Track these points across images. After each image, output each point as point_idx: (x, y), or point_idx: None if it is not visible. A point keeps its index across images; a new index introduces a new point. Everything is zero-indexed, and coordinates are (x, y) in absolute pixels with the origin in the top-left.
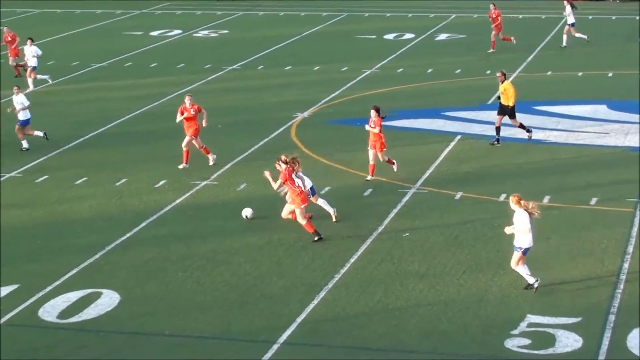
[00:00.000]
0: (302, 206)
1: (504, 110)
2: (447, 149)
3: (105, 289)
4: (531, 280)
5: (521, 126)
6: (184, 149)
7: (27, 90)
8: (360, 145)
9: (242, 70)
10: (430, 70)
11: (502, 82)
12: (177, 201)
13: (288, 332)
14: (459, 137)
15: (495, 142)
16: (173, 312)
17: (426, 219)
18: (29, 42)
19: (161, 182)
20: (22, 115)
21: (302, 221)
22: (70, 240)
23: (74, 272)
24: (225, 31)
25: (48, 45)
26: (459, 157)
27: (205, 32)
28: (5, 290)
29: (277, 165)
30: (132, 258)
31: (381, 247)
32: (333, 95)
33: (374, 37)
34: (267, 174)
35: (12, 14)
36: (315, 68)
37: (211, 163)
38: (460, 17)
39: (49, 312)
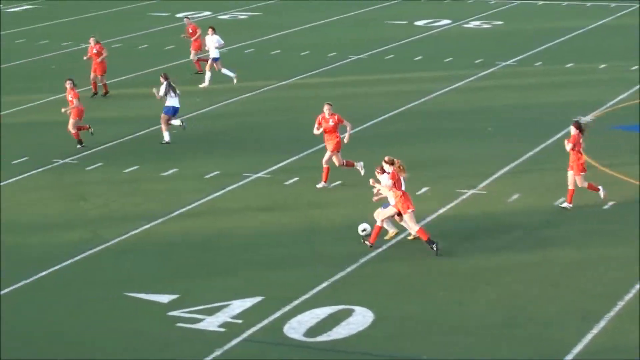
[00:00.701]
0: (409, 210)
1: None
2: None
3: (357, 306)
4: None
5: None
6: (324, 166)
7: (201, 85)
8: None
9: (517, 66)
10: None
11: None
12: (440, 211)
13: None
14: None
15: None
16: (431, 335)
17: None
18: (210, 31)
19: (423, 189)
20: (169, 102)
21: (414, 227)
22: (321, 250)
23: (323, 285)
24: (500, 22)
25: (302, 33)
26: None
27: (477, 22)
28: (249, 302)
29: (378, 171)
30: (389, 272)
31: None
32: (621, 97)
33: None
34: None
35: None
36: (601, 66)
37: (362, 172)
38: None
39: (295, 328)
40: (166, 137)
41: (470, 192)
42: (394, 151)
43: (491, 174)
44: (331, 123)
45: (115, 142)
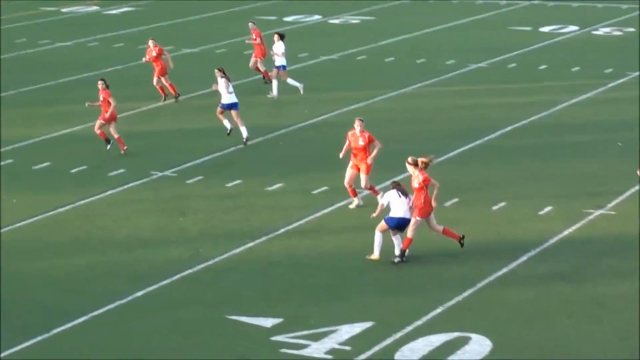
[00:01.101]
0: (419, 218)
1: None
2: None
3: (474, 334)
4: None
5: None
6: (349, 188)
7: (270, 96)
8: None
9: None
10: None
11: None
12: (565, 232)
13: None
14: None
15: None
16: None
17: None
18: (276, 37)
19: (547, 209)
20: (226, 99)
21: (410, 234)
22: (435, 272)
23: (438, 310)
24: (632, 29)
25: (418, 39)
26: None
27: (607, 29)
28: (358, 327)
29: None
30: (508, 298)
31: None
32: None
33: None
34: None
35: (375, 3)
36: None
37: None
38: None
39: (408, 356)
40: (244, 132)
41: (598, 212)
42: (518, 167)
43: (621, 192)
44: (361, 142)
45: (217, 154)
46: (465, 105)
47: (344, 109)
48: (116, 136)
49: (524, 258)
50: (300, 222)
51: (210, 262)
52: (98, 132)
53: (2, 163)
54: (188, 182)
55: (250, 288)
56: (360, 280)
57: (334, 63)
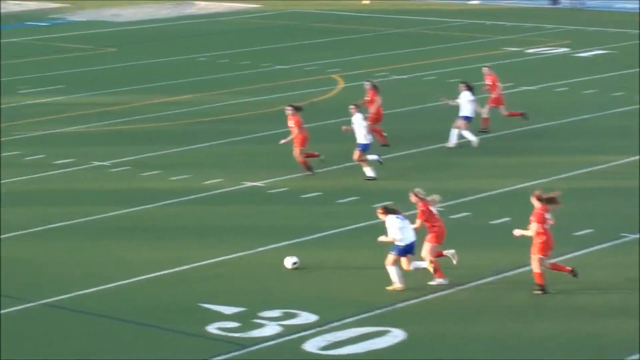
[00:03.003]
0: (435, 244)
1: None
2: None
3: None
4: None
5: None
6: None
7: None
8: None
9: None
10: None
11: None
12: None
13: None
14: None
15: None
16: None
17: None
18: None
19: None
20: (364, 139)
21: (426, 257)
22: None
23: None
24: None
25: None
26: None
27: None
28: None
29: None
30: None
31: None
32: None
33: None
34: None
35: None
36: None
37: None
38: None
39: None
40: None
41: None
42: None
43: None
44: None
45: None
46: None
47: None
48: (300, 160)
49: None
50: None
51: None
52: (300, 160)
53: (457, 216)
54: None
55: None
56: None
57: None
